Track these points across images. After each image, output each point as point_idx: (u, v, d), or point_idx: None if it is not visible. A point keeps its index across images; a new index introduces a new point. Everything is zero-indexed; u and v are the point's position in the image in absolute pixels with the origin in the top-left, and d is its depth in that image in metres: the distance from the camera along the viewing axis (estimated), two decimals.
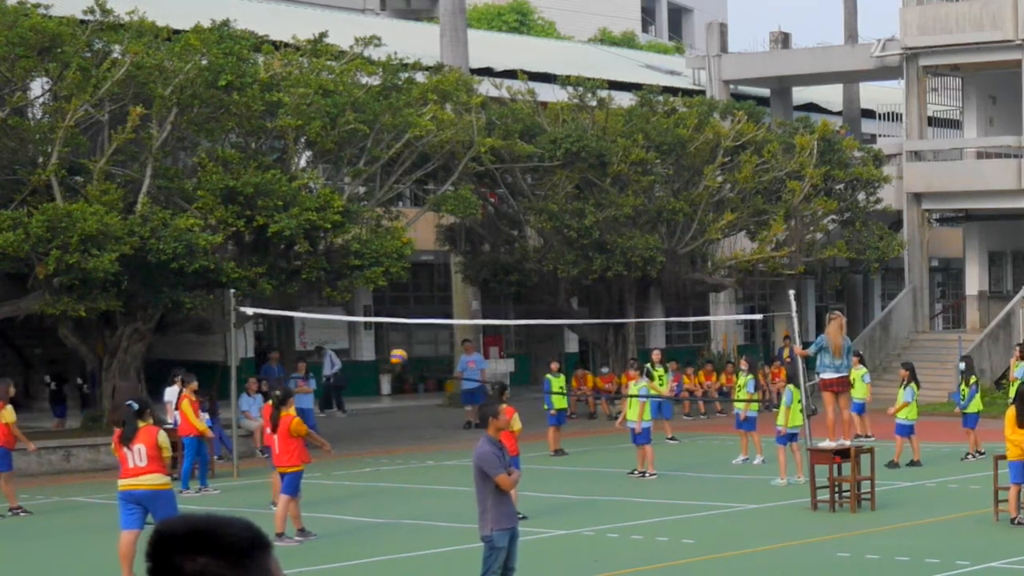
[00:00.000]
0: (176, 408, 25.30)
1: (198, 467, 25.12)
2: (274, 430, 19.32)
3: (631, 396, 26.26)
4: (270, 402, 20.76)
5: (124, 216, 26.98)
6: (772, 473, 25.06)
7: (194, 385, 25.26)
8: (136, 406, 16.89)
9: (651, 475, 25.36)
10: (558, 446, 29.42)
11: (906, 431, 26.47)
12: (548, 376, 31.09)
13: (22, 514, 22.34)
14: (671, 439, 31.22)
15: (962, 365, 28.10)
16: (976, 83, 46.67)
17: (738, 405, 27.89)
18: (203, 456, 25.18)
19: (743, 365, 28.53)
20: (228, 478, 25.81)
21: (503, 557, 13.70)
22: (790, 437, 24.52)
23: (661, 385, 32.29)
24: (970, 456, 27.39)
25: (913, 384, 26.50)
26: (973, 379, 27.76)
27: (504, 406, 20.40)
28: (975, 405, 27.57)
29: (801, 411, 24.34)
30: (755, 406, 27.68)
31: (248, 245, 30.05)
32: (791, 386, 24.87)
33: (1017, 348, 28.95)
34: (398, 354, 23.94)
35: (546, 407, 30.34)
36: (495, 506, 13.53)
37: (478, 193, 35.20)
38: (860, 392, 29.08)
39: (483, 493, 13.57)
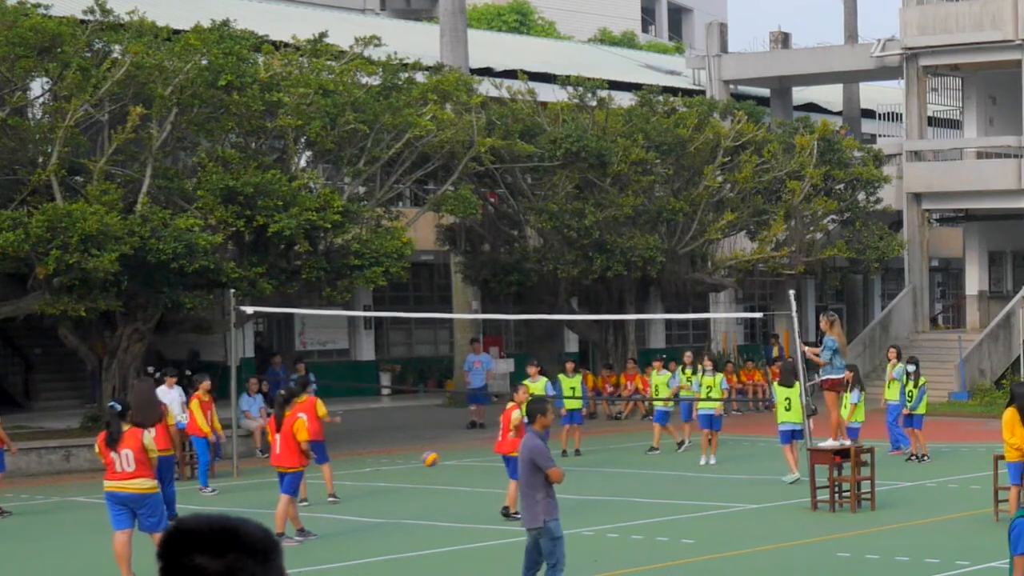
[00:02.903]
0: (186, 408, 25.27)
1: (199, 466, 25.12)
2: (279, 429, 19.26)
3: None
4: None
5: (124, 216, 26.97)
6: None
7: (206, 384, 25.23)
8: (119, 407, 16.80)
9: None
10: (565, 447, 29.32)
11: (854, 435, 25.59)
12: (560, 376, 30.58)
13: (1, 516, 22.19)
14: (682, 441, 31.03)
15: (911, 367, 27.94)
16: (976, 83, 46.66)
17: (657, 403, 28.73)
18: (204, 456, 25.14)
19: (655, 366, 29.53)
20: (228, 478, 25.80)
21: (563, 545, 14.10)
22: (793, 434, 24.47)
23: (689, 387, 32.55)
24: (915, 458, 27.39)
25: (859, 387, 26.34)
26: (923, 380, 27.77)
27: (513, 404, 20.59)
28: (923, 407, 27.58)
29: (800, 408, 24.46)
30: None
31: (248, 245, 30.04)
32: (776, 384, 25.15)
33: (892, 349, 28.86)
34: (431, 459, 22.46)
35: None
36: (546, 498, 13.99)
37: (478, 193, 35.19)
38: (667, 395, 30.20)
39: (534, 485, 13.94)
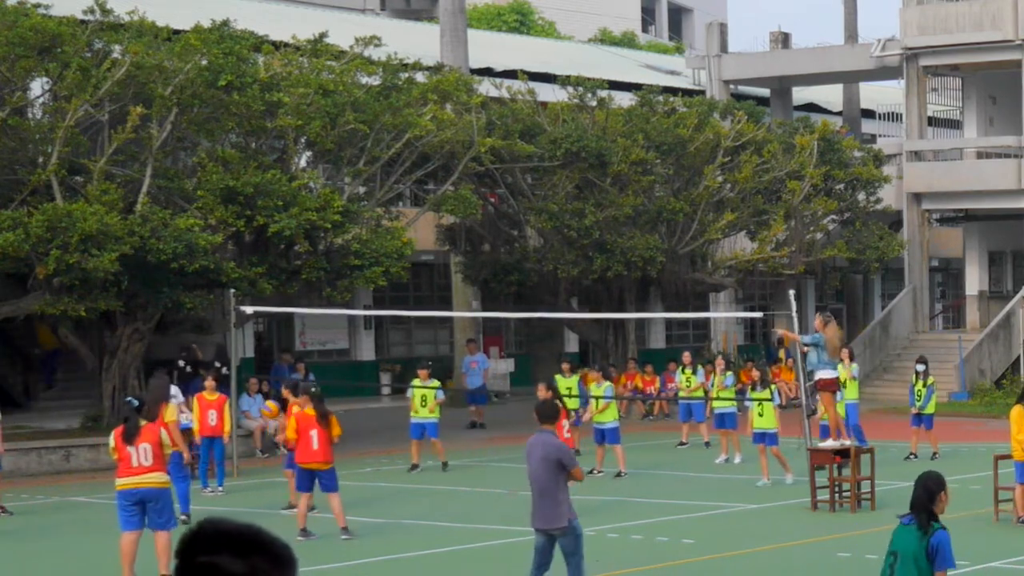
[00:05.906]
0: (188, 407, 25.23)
1: (200, 465, 25.10)
2: (321, 423, 19.13)
3: (596, 397, 26.51)
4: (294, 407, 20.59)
5: (124, 216, 26.98)
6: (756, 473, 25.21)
7: (210, 383, 25.15)
8: (136, 403, 16.82)
9: (623, 474, 25.75)
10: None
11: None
12: (557, 377, 30.40)
13: (3, 514, 22.17)
14: (708, 443, 30.82)
15: (921, 366, 27.98)
16: (976, 83, 46.67)
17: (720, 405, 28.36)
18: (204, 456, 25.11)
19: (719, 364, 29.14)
20: (227, 478, 25.77)
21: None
22: (768, 438, 24.57)
23: (688, 387, 32.52)
24: (913, 456, 27.51)
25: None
26: (931, 380, 27.83)
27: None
28: (932, 406, 27.61)
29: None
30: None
31: (248, 245, 30.05)
32: (774, 386, 25.32)
33: (846, 350, 28.84)
34: None
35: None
36: (567, 497, 14.00)
37: (478, 193, 35.19)
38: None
39: (557, 485, 13.86)
